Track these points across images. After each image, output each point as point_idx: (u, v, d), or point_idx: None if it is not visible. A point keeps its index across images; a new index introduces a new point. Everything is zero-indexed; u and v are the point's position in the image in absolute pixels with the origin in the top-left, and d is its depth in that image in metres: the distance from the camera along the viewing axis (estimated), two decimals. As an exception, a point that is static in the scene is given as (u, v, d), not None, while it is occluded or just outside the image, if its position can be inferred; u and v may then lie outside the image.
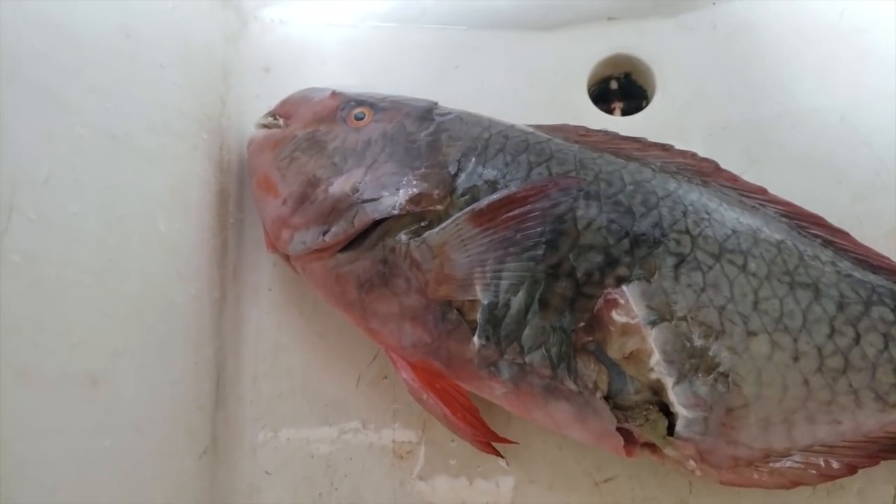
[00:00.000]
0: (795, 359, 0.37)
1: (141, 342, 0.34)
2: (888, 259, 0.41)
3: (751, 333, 0.36)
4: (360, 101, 0.44)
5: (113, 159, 0.33)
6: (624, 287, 0.36)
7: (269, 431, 0.43)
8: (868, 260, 0.41)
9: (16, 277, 0.27)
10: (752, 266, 0.38)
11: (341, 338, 0.45)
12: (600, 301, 0.37)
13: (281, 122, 0.46)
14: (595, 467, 0.42)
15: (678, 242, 0.37)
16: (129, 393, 0.32)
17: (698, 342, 0.36)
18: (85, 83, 0.31)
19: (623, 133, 0.44)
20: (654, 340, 0.36)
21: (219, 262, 0.43)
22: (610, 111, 0.50)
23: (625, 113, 0.50)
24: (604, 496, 0.41)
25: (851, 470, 0.38)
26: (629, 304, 0.36)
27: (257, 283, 0.46)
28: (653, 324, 0.36)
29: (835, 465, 0.38)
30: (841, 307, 0.38)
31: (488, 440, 0.39)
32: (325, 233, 0.40)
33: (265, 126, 0.46)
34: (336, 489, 0.43)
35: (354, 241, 0.40)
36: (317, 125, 0.44)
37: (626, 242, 0.37)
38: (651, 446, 0.38)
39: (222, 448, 0.42)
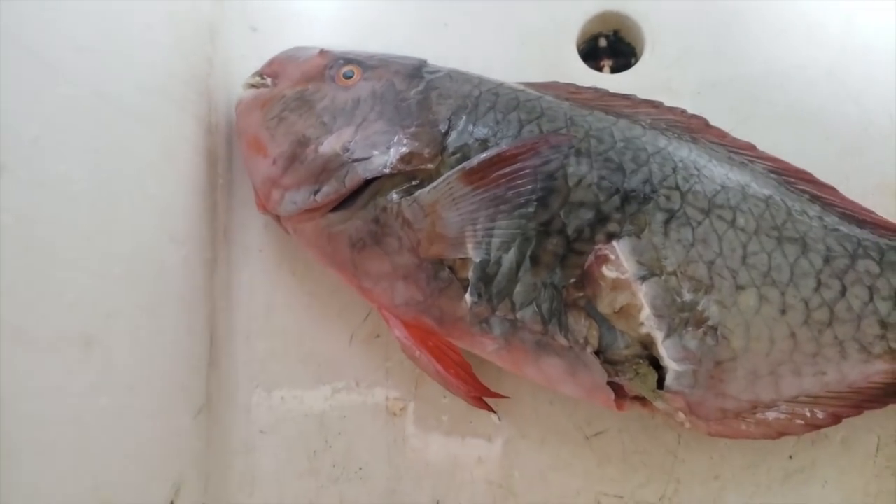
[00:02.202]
0: (783, 312, 0.37)
1: (134, 303, 0.34)
2: (874, 213, 0.41)
3: (739, 287, 0.37)
4: (348, 60, 0.43)
5: (101, 119, 0.32)
6: (614, 243, 0.37)
7: (263, 391, 0.44)
8: (855, 215, 0.41)
9: (8, 238, 0.26)
10: (740, 221, 0.38)
11: (333, 297, 0.45)
12: (591, 257, 0.37)
13: (269, 81, 0.45)
14: (585, 422, 0.43)
15: (668, 198, 0.37)
16: (123, 353, 0.32)
17: (688, 296, 0.37)
18: (71, 42, 0.30)
19: (613, 90, 0.44)
20: (644, 295, 0.36)
21: (209, 223, 0.43)
22: (599, 68, 0.50)
23: (614, 70, 0.50)
24: (594, 450, 0.42)
25: (836, 419, 0.39)
26: (619, 260, 0.37)
27: (248, 243, 0.45)
28: (643, 279, 0.36)
29: (819, 415, 0.39)
30: (827, 261, 0.38)
31: (480, 395, 0.40)
32: (315, 192, 0.40)
33: (253, 86, 0.45)
34: (330, 447, 0.44)
35: (346, 201, 0.40)
36: (305, 84, 0.43)
37: (616, 199, 0.37)
38: (641, 400, 0.39)
39: (217, 408, 0.42)
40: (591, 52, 0.51)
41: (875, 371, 0.38)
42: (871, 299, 0.38)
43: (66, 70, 0.31)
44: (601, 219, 0.37)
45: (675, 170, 0.38)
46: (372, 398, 0.44)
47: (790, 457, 0.41)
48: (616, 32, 0.52)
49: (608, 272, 0.37)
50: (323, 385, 0.44)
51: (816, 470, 0.41)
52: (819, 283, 0.38)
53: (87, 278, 0.31)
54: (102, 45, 0.33)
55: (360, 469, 0.43)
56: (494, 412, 0.42)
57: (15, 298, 0.26)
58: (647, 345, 0.37)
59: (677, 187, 0.38)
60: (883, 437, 0.41)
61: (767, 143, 0.43)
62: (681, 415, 0.38)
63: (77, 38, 0.31)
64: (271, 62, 0.46)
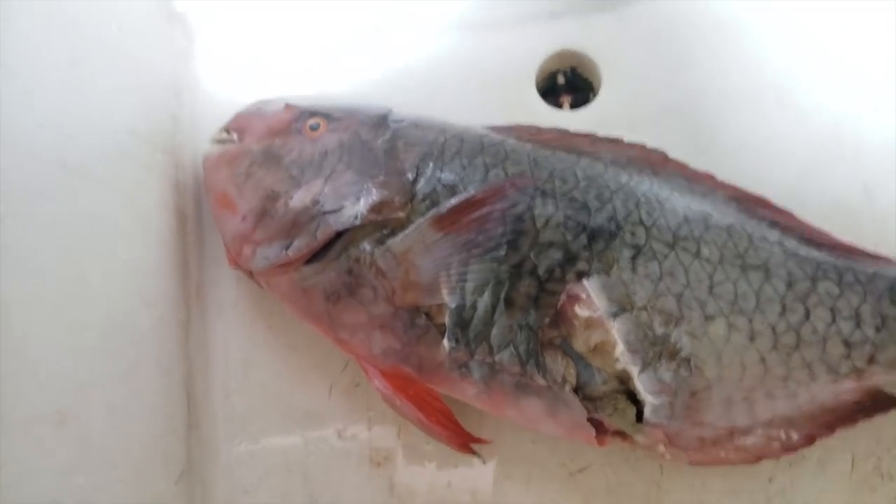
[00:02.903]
0: (751, 338, 0.38)
1: (108, 372, 0.33)
2: (830, 235, 0.43)
3: (708, 318, 0.38)
4: (314, 112, 0.44)
5: (67, 190, 0.32)
6: (584, 282, 0.38)
7: (245, 448, 0.43)
8: (812, 237, 0.43)
9: None
10: (705, 252, 0.39)
11: (311, 348, 0.45)
12: (563, 297, 0.38)
13: (235, 137, 0.45)
14: (569, 458, 0.43)
15: (633, 234, 0.39)
16: (99, 426, 0.31)
17: (659, 330, 0.37)
18: (33, 117, 0.30)
19: (573, 128, 0.45)
20: (617, 332, 0.37)
21: (181, 282, 0.43)
22: (559, 105, 0.51)
23: (573, 106, 0.51)
24: (579, 486, 0.43)
25: (810, 440, 0.40)
26: (591, 299, 0.37)
27: (222, 300, 0.45)
28: (615, 316, 0.37)
29: (794, 437, 0.40)
30: (790, 285, 0.39)
31: (464, 441, 0.40)
32: (287, 247, 0.40)
33: (219, 142, 0.46)
34: (316, 501, 0.43)
35: (318, 254, 0.40)
36: (272, 138, 0.44)
37: (583, 237, 0.38)
38: (621, 434, 0.39)
39: (198, 469, 0.41)
40: (551, 90, 0.53)
41: (844, 390, 0.40)
42: (834, 320, 0.39)
43: (29, 144, 0.31)
44: (570, 258, 0.38)
45: (638, 205, 0.40)
46: (355, 448, 0.44)
47: (770, 479, 0.42)
48: (573, 69, 0.53)
49: (581, 311, 0.37)
50: (305, 438, 0.44)
51: (796, 491, 0.42)
52: (784, 308, 0.39)
53: (60, 352, 0.30)
54: (65, 117, 0.33)
55: (346, 520, 0.43)
56: (478, 456, 0.42)
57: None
58: (624, 380, 0.38)
59: (641, 222, 0.39)
60: (856, 455, 0.42)
61: (726, 171, 0.44)
62: (661, 447, 0.39)
63: (39, 112, 0.32)
64: (237, 117, 0.46)
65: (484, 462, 0.43)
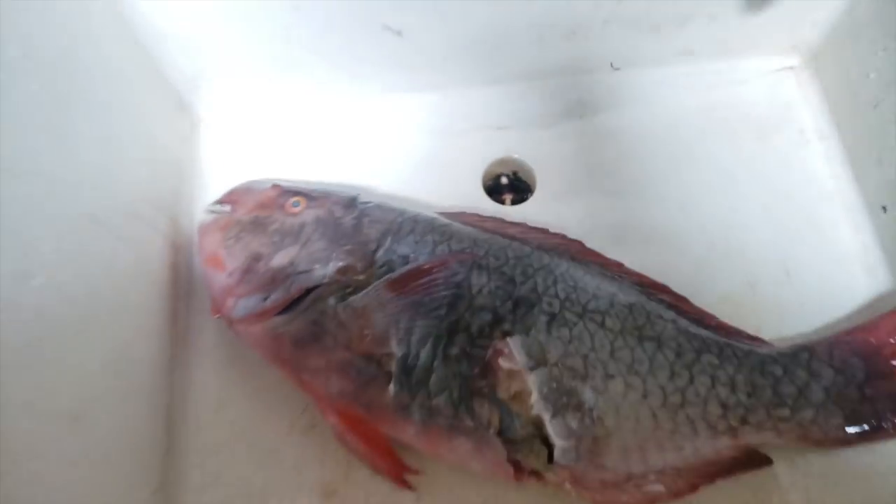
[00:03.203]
0: (644, 396, 0.46)
1: (110, 391, 0.40)
2: (716, 318, 0.51)
3: (609, 376, 0.45)
4: (296, 192, 0.53)
5: (92, 237, 0.40)
6: (508, 339, 0.45)
7: (211, 476, 0.49)
8: (702, 319, 0.51)
9: (21, 329, 0.33)
10: (608, 323, 0.47)
11: (275, 392, 0.51)
12: (490, 351, 0.45)
13: (227, 208, 0.54)
14: (493, 497, 0.48)
15: (550, 304, 0.47)
16: (101, 429, 0.38)
17: (568, 383, 0.45)
18: (75, 177, 0.39)
19: (509, 219, 0.54)
20: (532, 383, 0.44)
21: (171, 325, 0.50)
22: (501, 201, 0.60)
23: (513, 202, 0.60)
24: (501, 523, 0.49)
25: (694, 488, 0.45)
26: (512, 354, 0.45)
27: (203, 344, 0.52)
28: (531, 369, 0.45)
29: (681, 484, 0.46)
30: (679, 355, 0.47)
31: (401, 472, 0.46)
32: (265, 299, 0.48)
33: (213, 212, 0.54)
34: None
35: (290, 306, 0.47)
36: (259, 211, 0.52)
37: (509, 304, 0.46)
38: (536, 473, 0.45)
39: (172, 488, 0.47)
40: (495, 188, 0.62)
41: (723, 447, 0.46)
42: (714, 386, 0.46)
43: (70, 198, 0.39)
44: (498, 320, 0.46)
45: (555, 281, 0.48)
46: (308, 481, 0.49)
47: None
48: (515, 173, 0.63)
49: (504, 363, 0.45)
50: (265, 470, 0.49)
51: None
52: (672, 373, 0.46)
53: (73, 370, 0.37)
54: (97, 180, 0.42)
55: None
56: (414, 490, 0.48)
57: (23, 377, 0.32)
58: (539, 425, 0.45)
59: (557, 296, 0.47)
60: None
61: (635, 261, 0.52)
62: (567, 485, 0.45)
63: (78, 174, 0.40)
64: (230, 192, 0.55)
65: (418, 499, 0.49)
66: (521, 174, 0.63)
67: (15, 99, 0.35)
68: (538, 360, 0.45)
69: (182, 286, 0.53)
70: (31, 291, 0.34)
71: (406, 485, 0.47)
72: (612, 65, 0.63)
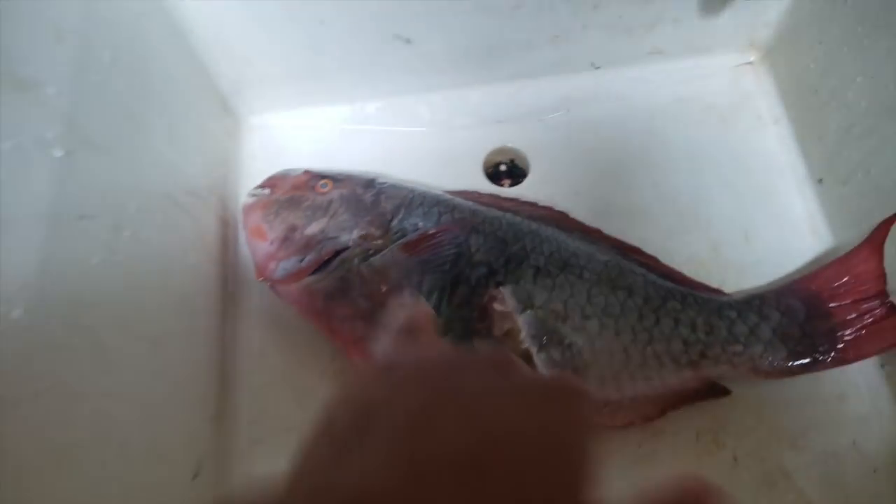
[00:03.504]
0: (617, 334, 0.54)
1: (179, 329, 0.50)
2: (681, 273, 0.59)
3: (586, 317, 0.54)
4: (324, 175, 0.63)
5: (166, 210, 0.51)
6: (501, 288, 0.54)
7: (257, 411, 0.58)
8: (669, 275, 0.60)
9: (107, 278, 0.43)
10: (586, 275, 0.56)
11: (309, 344, 0.59)
12: (486, 298, 0.54)
13: (267, 191, 0.64)
14: None
15: (536, 260, 0.56)
16: (172, 357, 0.48)
17: (551, 323, 0.54)
18: (152, 165, 0.49)
19: (504, 195, 0.64)
20: (521, 323, 0.54)
21: (223, 286, 0.60)
22: (500, 185, 0.69)
23: (511, 186, 0.70)
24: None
25: (662, 412, 0.54)
26: (505, 300, 0.54)
27: (249, 305, 0.62)
28: (520, 312, 0.54)
29: (651, 410, 0.55)
30: (646, 301, 0.55)
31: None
32: (301, 261, 0.57)
33: (255, 195, 0.64)
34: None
35: (321, 267, 0.57)
36: (294, 191, 0.62)
37: (502, 260, 0.55)
38: None
39: (225, 419, 0.56)
40: (496, 174, 0.71)
41: (686, 377, 0.54)
42: (677, 326, 0.55)
43: (152, 182, 0.49)
44: (492, 273, 0.55)
45: (541, 242, 0.57)
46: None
47: (639, 446, 0.55)
48: (512, 161, 0.72)
49: (498, 307, 0.54)
50: (302, 408, 0.59)
51: (657, 455, 0.55)
52: (641, 315, 0.55)
53: (154, 303, 0.47)
54: (168, 167, 0.52)
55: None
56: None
57: (116, 306, 0.42)
58: (528, 358, 0.54)
59: (542, 253, 0.56)
60: (700, 431, 0.56)
61: (613, 231, 0.61)
62: None
63: (154, 163, 0.50)
64: (269, 178, 0.65)
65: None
66: (517, 161, 0.72)
67: (107, 92, 0.46)
68: (526, 305, 0.54)
69: (230, 255, 0.63)
70: (121, 242, 0.44)
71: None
72: (592, 64, 0.73)
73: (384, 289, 0.55)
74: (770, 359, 0.54)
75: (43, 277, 0.35)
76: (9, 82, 0.35)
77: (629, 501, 0.24)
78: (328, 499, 0.21)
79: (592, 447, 0.25)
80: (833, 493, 0.53)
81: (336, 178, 0.62)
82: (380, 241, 0.57)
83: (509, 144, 0.71)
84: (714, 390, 0.56)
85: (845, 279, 0.55)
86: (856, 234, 0.56)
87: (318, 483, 0.23)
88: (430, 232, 0.56)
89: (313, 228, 0.59)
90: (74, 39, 0.41)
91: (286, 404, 0.59)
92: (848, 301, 0.54)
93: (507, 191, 0.68)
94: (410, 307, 0.34)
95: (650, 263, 0.61)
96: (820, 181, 0.63)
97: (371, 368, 0.29)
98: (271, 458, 0.57)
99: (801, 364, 0.54)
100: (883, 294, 0.53)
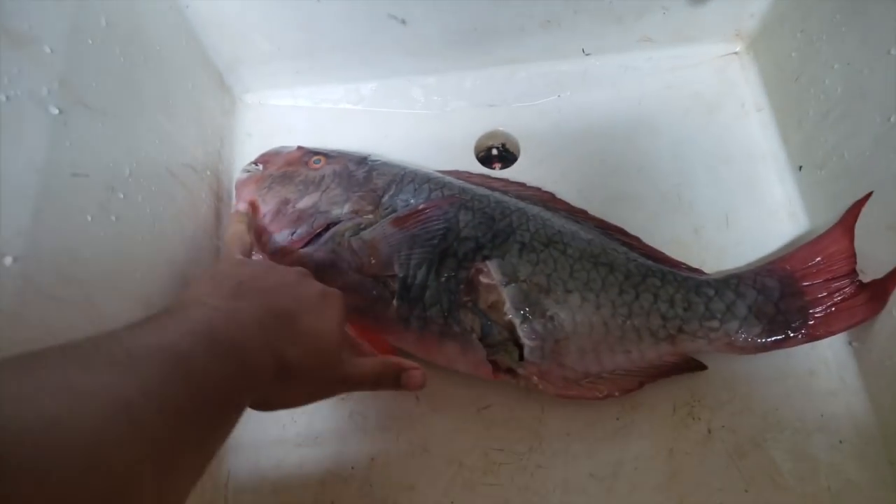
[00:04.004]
0: (598, 308, 0.56)
1: (170, 296, 0.52)
2: (662, 253, 0.61)
3: (568, 291, 0.56)
4: (317, 152, 0.64)
5: (165, 181, 0.52)
6: (487, 262, 0.56)
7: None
8: (650, 254, 0.61)
9: (108, 235, 0.45)
10: (569, 251, 0.57)
11: None
12: (473, 270, 0.56)
13: (260, 167, 0.65)
14: (478, 398, 0.59)
15: (522, 236, 0.57)
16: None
17: (534, 296, 0.55)
18: (153, 140, 0.51)
19: (494, 176, 0.65)
20: (506, 295, 0.55)
21: (215, 259, 0.62)
22: (492, 168, 0.71)
23: (502, 170, 0.72)
24: (484, 418, 0.58)
25: (640, 385, 0.55)
26: (490, 272, 0.56)
27: (241, 275, 0.64)
28: (505, 285, 0.55)
29: (629, 382, 0.56)
30: (627, 277, 0.57)
31: (405, 368, 0.57)
32: (293, 234, 0.59)
33: (248, 171, 0.66)
34: (295, 421, 0.59)
35: (313, 240, 0.59)
36: (287, 167, 0.64)
37: (489, 235, 0.57)
38: (510, 371, 0.56)
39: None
40: (487, 158, 0.73)
41: (664, 352, 0.56)
42: (656, 301, 0.56)
43: (152, 155, 0.51)
44: (479, 247, 0.57)
45: (527, 220, 0.59)
46: (326, 385, 0.60)
47: (617, 418, 0.58)
48: (503, 145, 0.74)
49: (483, 280, 0.56)
50: (290, 377, 0.61)
51: (635, 426, 0.57)
52: (621, 291, 0.56)
53: (145, 274, 0.49)
54: (166, 142, 0.54)
55: (317, 437, 0.59)
56: (414, 392, 0.58)
57: (105, 270, 0.44)
58: (511, 330, 0.55)
59: (528, 230, 0.58)
60: (676, 404, 0.58)
61: (598, 212, 0.64)
62: (535, 379, 0.55)
63: (154, 138, 0.52)
64: (263, 155, 0.67)
65: (417, 399, 0.60)
66: (508, 145, 0.73)
67: (101, 56, 0.47)
68: (511, 278, 0.56)
69: (223, 228, 0.64)
70: (115, 203, 0.46)
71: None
72: (583, 51, 0.74)
73: (374, 262, 0.57)
74: (745, 335, 0.56)
75: (36, 228, 0.36)
76: (5, 35, 0.37)
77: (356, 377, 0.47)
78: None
79: (343, 329, 0.48)
80: (802, 463, 0.55)
81: (329, 155, 0.64)
82: (371, 216, 0.59)
83: (501, 128, 0.73)
84: (690, 364, 0.58)
85: (818, 259, 0.57)
86: (831, 217, 0.59)
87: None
88: (420, 207, 0.57)
89: (305, 202, 0.60)
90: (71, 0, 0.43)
91: (276, 373, 0.60)
92: (820, 280, 0.56)
93: (497, 173, 0.70)
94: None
95: (633, 243, 0.62)
96: (800, 168, 0.65)
97: (242, 260, 0.51)
98: (258, 424, 0.59)
99: (775, 340, 0.56)
100: (853, 273, 0.55)
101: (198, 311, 0.38)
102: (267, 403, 0.43)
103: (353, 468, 0.58)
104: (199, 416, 0.31)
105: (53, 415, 0.24)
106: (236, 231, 0.57)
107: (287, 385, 0.42)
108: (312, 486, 0.57)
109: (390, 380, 0.49)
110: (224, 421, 0.35)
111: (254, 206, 0.62)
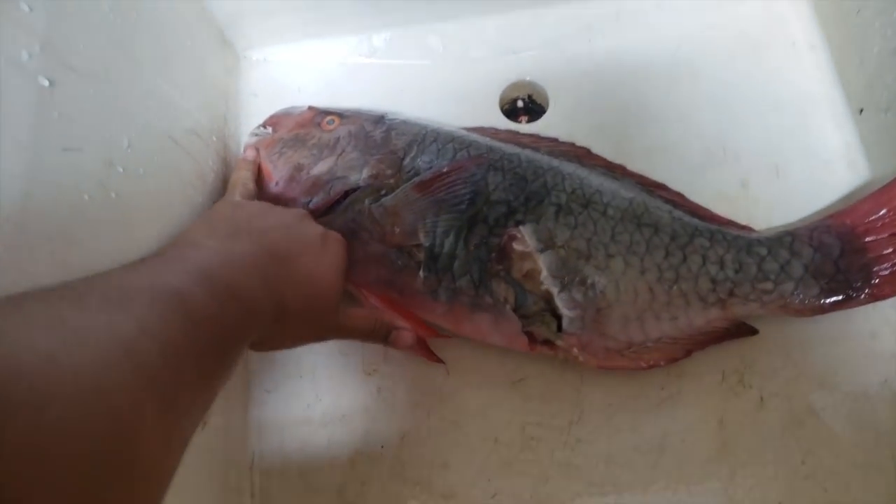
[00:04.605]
0: (642, 273, 0.52)
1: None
2: (709, 210, 0.56)
3: (610, 256, 0.52)
4: (330, 111, 0.60)
5: (172, 153, 0.48)
6: (521, 227, 0.52)
7: (268, 359, 0.57)
8: (695, 212, 0.57)
9: (114, 205, 0.41)
10: (610, 212, 0.53)
11: None
12: (505, 237, 0.52)
13: (269, 130, 0.61)
14: (512, 371, 0.56)
15: (558, 197, 0.53)
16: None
17: (573, 263, 0.51)
18: (153, 104, 0.46)
19: (523, 132, 0.60)
20: (542, 262, 0.51)
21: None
22: (518, 122, 0.66)
23: (528, 123, 0.66)
24: (519, 391, 0.55)
25: (687, 353, 0.52)
26: (524, 239, 0.52)
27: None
28: (541, 251, 0.51)
29: (676, 350, 0.53)
30: (673, 238, 0.53)
31: (432, 335, 0.53)
32: (308, 202, 0.55)
33: (257, 135, 0.61)
34: (320, 400, 0.57)
35: (330, 208, 0.55)
36: (298, 129, 0.59)
37: (521, 197, 0.53)
38: (547, 342, 0.52)
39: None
40: (512, 111, 0.68)
41: (713, 317, 0.52)
42: (704, 264, 0.52)
43: (152, 122, 0.46)
44: (511, 211, 0.52)
45: (563, 179, 0.54)
46: (352, 362, 0.57)
47: (662, 388, 0.54)
48: (529, 96, 0.69)
49: (517, 247, 0.52)
50: (314, 355, 0.57)
51: (681, 396, 0.54)
52: (667, 253, 0.52)
53: (154, 248, 0.45)
54: (167, 107, 0.49)
55: (344, 415, 0.56)
56: (443, 362, 0.55)
57: (104, 246, 0.40)
58: (548, 300, 0.52)
59: (564, 190, 0.53)
60: (726, 371, 0.54)
61: (637, 167, 0.59)
62: (575, 350, 0.52)
63: (152, 104, 0.47)
64: (271, 117, 0.62)
65: (448, 373, 0.56)
66: (535, 97, 0.68)
67: (88, 14, 0.42)
68: (547, 244, 0.52)
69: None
70: (114, 178, 0.42)
71: (436, 359, 0.55)
72: (615, -11, 0.68)
73: (397, 230, 0.53)
74: (801, 296, 0.52)
75: (26, 213, 0.32)
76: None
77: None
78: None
79: (342, 275, 0.48)
80: (863, 432, 0.52)
81: (343, 115, 0.59)
82: (391, 181, 0.54)
83: (527, 78, 0.67)
84: (741, 329, 0.54)
85: (883, 212, 0.52)
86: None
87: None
88: (445, 170, 0.53)
89: (320, 168, 0.56)
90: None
91: (296, 351, 0.57)
92: (885, 235, 0.52)
93: (525, 127, 0.65)
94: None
95: (676, 200, 0.58)
96: (860, 112, 0.59)
97: (239, 202, 0.51)
98: (283, 403, 0.56)
99: (834, 301, 0.52)
100: (924, 227, 0.51)
101: (193, 251, 0.38)
102: (267, 343, 0.43)
103: (382, 447, 0.55)
104: (200, 355, 0.31)
105: (49, 351, 0.23)
106: (241, 177, 0.55)
107: (283, 327, 0.42)
108: (341, 466, 0.55)
109: (380, 336, 0.51)
110: (225, 361, 0.34)
111: (265, 174, 0.57)
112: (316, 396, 0.57)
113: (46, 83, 0.36)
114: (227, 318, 0.34)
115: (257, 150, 0.58)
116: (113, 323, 0.27)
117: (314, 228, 0.48)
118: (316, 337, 0.48)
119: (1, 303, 0.26)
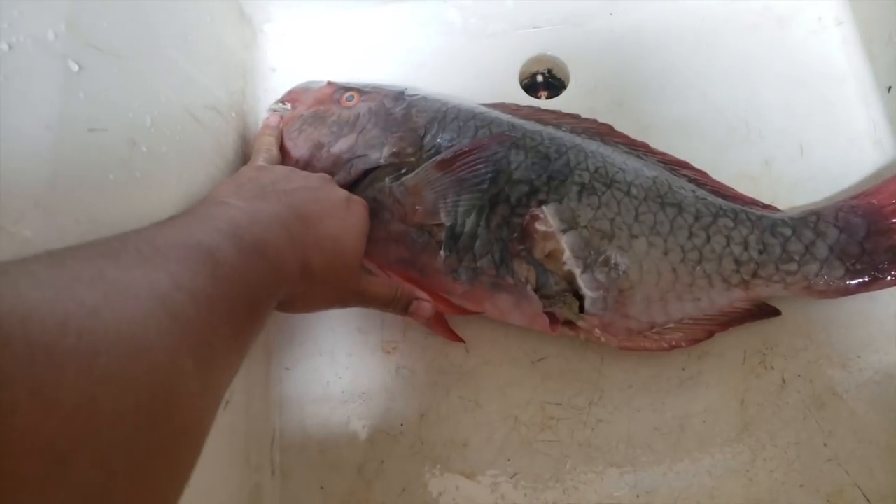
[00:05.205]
0: (665, 253, 0.51)
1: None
2: (733, 189, 0.56)
3: (633, 236, 0.51)
4: (350, 87, 0.59)
5: (193, 129, 0.47)
6: (543, 207, 0.51)
7: (287, 336, 0.57)
8: (719, 191, 0.56)
9: (136, 174, 0.41)
10: (633, 192, 0.52)
11: None
12: (527, 217, 0.51)
13: (288, 106, 0.60)
14: (532, 350, 0.56)
15: (581, 176, 0.52)
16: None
17: (596, 243, 0.51)
18: (173, 82, 0.46)
19: (544, 108, 0.59)
20: (565, 243, 0.51)
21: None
22: (537, 98, 0.65)
23: (548, 98, 0.65)
24: (539, 370, 0.55)
25: (710, 334, 0.51)
26: (547, 219, 0.51)
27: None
28: (564, 231, 0.51)
29: (698, 332, 0.52)
30: (697, 218, 0.52)
31: (456, 313, 0.53)
32: (329, 181, 0.54)
33: (276, 111, 0.60)
34: (340, 378, 0.57)
35: (350, 187, 0.54)
36: (317, 106, 0.58)
37: (544, 177, 0.52)
38: (569, 324, 0.52)
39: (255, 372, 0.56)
40: (532, 86, 0.67)
41: (736, 298, 0.52)
42: (728, 244, 0.52)
43: (173, 98, 0.46)
44: (534, 191, 0.52)
45: (586, 157, 0.53)
46: (371, 340, 0.57)
47: (683, 368, 0.54)
48: (549, 70, 0.68)
49: (539, 227, 0.51)
50: (333, 333, 0.58)
51: (702, 377, 0.54)
52: (691, 234, 0.52)
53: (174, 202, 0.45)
54: (185, 84, 0.48)
55: (363, 393, 0.56)
56: (463, 341, 0.55)
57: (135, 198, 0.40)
58: (570, 280, 0.51)
59: (587, 169, 0.53)
60: (748, 352, 0.54)
61: (659, 144, 0.58)
62: (597, 331, 0.51)
63: (174, 80, 0.47)
64: (289, 92, 0.61)
65: (467, 352, 0.56)
66: (555, 71, 0.67)
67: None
68: (570, 224, 0.51)
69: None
70: (138, 158, 0.41)
71: (456, 338, 0.55)
72: (638, -38, 0.66)
73: (418, 209, 0.52)
74: (826, 278, 0.51)
75: (53, 196, 0.32)
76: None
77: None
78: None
79: (364, 239, 0.50)
80: (887, 413, 0.52)
81: (363, 91, 0.58)
82: (412, 159, 0.54)
83: (548, 52, 0.66)
84: (763, 311, 0.53)
85: (912, 193, 0.51)
86: (926, 145, 0.52)
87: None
88: (466, 148, 0.52)
89: (341, 146, 0.55)
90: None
91: (315, 329, 0.57)
92: (913, 216, 0.51)
93: (545, 103, 0.64)
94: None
95: (700, 179, 0.57)
96: (889, 89, 0.58)
97: (264, 166, 0.52)
98: (302, 381, 0.56)
99: (859, 283, 0.51)
100: (954, 208, 0.50)
101: (221, 209, 0.38)
102: (292, 304, 0.43)
103: (402, 425, 0.55)
104: (232, 311, 0.31)
105: (92, 304, 0.24)
106: (265, 141, 0.56)
107: (308, 287, 0.42)
108: (361, 444, 0.55)
109: (400, 305, 0.51)
110: (253, 318, 0.35)
111: (284, 152, 0.57)
112: (336, 374, 0.57)
113: (73, 62, 0.35)
114: (256, 275, 0.34)
115: (280, 115, 0.58)
116: (149, 277, 0.27)
117: (338, 191, 0.49)
118: (339, 300, 0.48)
119: (45, 257, 0.26)
